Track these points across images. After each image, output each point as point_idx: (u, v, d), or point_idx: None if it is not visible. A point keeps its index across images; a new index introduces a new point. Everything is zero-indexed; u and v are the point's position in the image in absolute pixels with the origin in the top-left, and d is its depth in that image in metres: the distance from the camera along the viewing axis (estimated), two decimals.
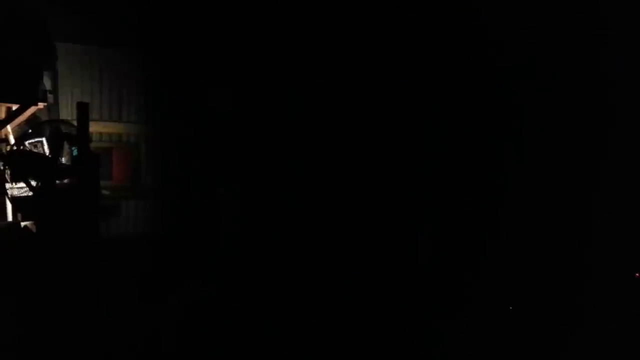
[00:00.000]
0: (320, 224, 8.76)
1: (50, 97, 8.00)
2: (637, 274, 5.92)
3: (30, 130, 7.73)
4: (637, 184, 6.40)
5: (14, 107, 7.43)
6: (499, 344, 5.77)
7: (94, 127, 8.73)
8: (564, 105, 7.06)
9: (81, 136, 6.56)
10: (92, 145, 8.27)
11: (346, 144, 8.98)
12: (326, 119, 9.10)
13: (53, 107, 8.34)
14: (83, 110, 6.56)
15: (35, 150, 7.46)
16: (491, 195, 7.66)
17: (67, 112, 8.35)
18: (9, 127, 7.67)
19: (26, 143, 7.52)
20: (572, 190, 6.99)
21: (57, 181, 6.95)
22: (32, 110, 7.58)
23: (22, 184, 7.17)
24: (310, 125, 9.21)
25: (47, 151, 7.45)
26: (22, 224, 7.61)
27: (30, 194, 7.09)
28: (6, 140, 7.71)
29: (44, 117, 8.07)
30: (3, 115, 7.64)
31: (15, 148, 7.29)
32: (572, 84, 6.96)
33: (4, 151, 7.56)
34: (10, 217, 7.97)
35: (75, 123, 6.88)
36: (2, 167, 7.09)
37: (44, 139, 7.62)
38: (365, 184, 8.71)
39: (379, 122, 8.82)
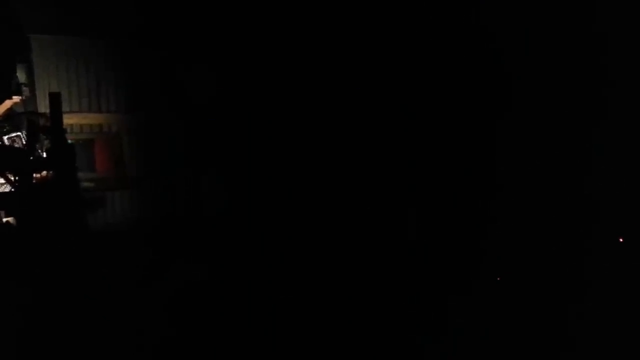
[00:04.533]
0: (311, 210, 8.70)
1: (25, 90, 7.90)
2: (620, 239, 5.87)
3: (6, 125, 7.65)
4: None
5: None
6: (488, 316, 5.75)
7: (74, 119, 8.64)
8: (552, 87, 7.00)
9: (55, 127, 6.46)
10: (73, 137, 8.23)
11: (334, 128, 8.89)
12: (313, 103, 8.99)
13: (30, 100, 8.21)
14: (55, 100, 6.46)
15: (12, 145, 7.39)
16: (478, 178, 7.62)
17: (45, 105, 8.21)
18: None
19: (4, 138, 7.46)
20: (556, 169, 6.93)
21: (35, 174, 6.88)
22: (7, 104, 7.49)
23: (1, 180, 7.11)
24: (295, 111, 9.11)
25: (24, 144, 7.38)
26: (4, 219, 7.55)
27: (10, 189, 7.03)
28: None
29: (21, 111, 7.97)
30: None
31: None
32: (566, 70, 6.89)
33: None
34: None
35: None
36: None
37: (21, 133, 7.55)
38: (352, 170, 8.62)
39: (366, 107, 8.71)
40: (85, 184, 8.21)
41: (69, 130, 7.74)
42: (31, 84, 8.29)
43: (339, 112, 8.69)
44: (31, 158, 6.94)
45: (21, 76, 7.86)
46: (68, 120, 7.68)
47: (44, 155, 7.32)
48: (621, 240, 5.95)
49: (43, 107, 8.26)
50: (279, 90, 9.16)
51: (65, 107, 7.31)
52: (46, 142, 7.44)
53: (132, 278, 6.85)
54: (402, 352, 5.24)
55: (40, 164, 6.88)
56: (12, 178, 6.83)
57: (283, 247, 7.95)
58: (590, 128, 6.68)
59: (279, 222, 8.65)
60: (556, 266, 6.44)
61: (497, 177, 7.48)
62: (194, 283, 6.84)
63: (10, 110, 7.80)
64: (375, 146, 8.51)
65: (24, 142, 7.45)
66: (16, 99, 7.52)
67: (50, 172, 6.92)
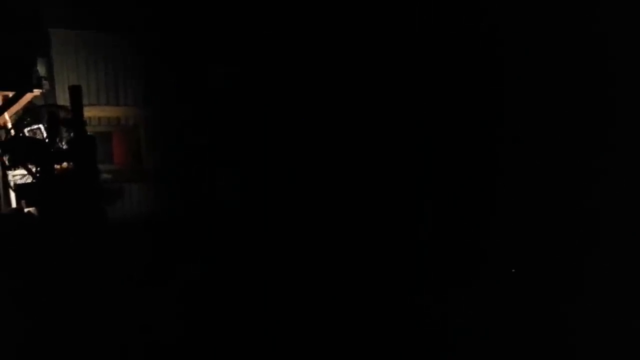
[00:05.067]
0: (324, 206, 8.72)
1: (45, 83, 8.02)
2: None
3: (27, 117, 7.79)
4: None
5: (10, 94, 7.47)
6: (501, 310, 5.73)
7: (93, 112, 8.78)
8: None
9: (76, 119, 6.58)
10: (92, 129, 8.35)
11: (350, 122, 8.89)
12: (330, 97, 9.00)
13: (49, 94, 8.36)
14: (76, 93, 6.58)
15: (33, 137, 7.53)
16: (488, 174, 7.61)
17: (64, 98, 8.35)
18: (6, 115, 7.72)
19: (24, 130, 7.60)
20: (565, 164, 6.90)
21: (56, 165, 7.01)
22: (28, 97, 7.63)
23: (23, 171, 7.26)
24: (314, 105, 9.13)
25: (44, 136, 7.52)
26: (26, 210, 7.71)
27: (32, 181, 7.18)
28: (4, 127, 7.77)
29: (41, 104, 8.11)
30: None
31: (13, 135, 7.36)
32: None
33: (2, 138, 7.64)
34: (14, 204, 8.08)
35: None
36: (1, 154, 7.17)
37: (41, 126, 7.68)
38: (366, 166, 8.63)
39: (380, 100, 8.71)
40: (104, 176, 8.34)
41: (87, 122, 7.88)
42: (50, 77, 8.44)
43: (355, 108, 8.70)
44: (52, 150, 7.08)
45: (41, 70, 7.98)
46: (87, 113, 7.79)
47: (65, 147, 7.46)
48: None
49: (62, 100, 8.41)
50: (297, 84, 9.20)
51: (84, 100, 7.42)
52: (66, 134, 7.59)
53: (145, 273, 6.91)
54: (405, 350, 5.25)
55: (61, 156, 7.01)
56: (33, 169, 6.99)
57: (297, 243, 7.99)
58: (595, 126, 6.63)
59: (294, 218, 8.69)
60: (560, 264, 6.42)
61: (501, 176, 7.45)
62: (206, 280, 6.89)
63: (30, 103, 7.93)
64: (388, 144, 8.51)
65: (44, 134, 7.59)
66: (37, 92, 7.65)
67: (71, 163, 7.07)
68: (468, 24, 7.64)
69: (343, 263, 7.31)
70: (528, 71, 7.16)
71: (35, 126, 7.64)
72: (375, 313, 5.86)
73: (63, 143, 7.51)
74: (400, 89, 8.34)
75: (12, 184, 7.66)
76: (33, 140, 7.38)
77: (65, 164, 7.12)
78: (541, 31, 7.00)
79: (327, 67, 8.86)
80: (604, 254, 6.10)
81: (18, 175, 7.54)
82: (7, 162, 7.17)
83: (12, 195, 8.00)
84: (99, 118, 9.10)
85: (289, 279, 6.87)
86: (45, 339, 5.06)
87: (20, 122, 7.64)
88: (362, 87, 8.65)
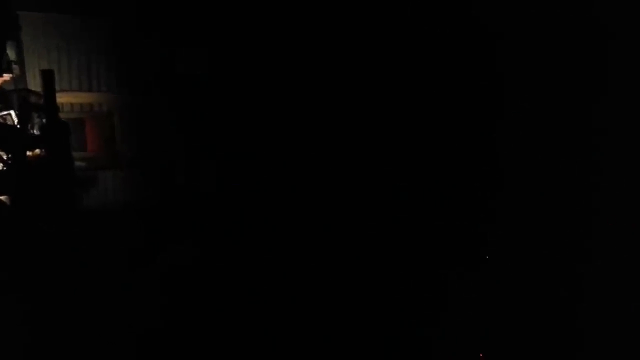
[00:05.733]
0: (303, 192, 8.72)
1: (15, 68, 7.82)
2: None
3: None
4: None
5: None
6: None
7: (64, 98, 8.57)
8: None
9: (48, 105, 6.43)
10: (64, 116, 8.16)
11: (328, 108, 8.88)
12: (316, 82, 8.93)
13: (20, 79, 8.14)
14: (48, 78, 6.42)
15: (4, 123, 7.34)
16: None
17: (35, 83, 8.15)
18: None
19: None
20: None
21: (29, 152, 6.86)
22: None
23: None
24: (291, 91, 9.08)
25: (15, 122, 7.34)
26: None
27: (2, 167, 7.01)
28: None
29: (11, 89, 7.89)
30: None
31: None
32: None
33: None
34: None
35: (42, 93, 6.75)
36: None
37: (12, 111, 7.50)
38: (355, 164, 8.62)
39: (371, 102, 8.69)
40: (77, 163, 8.18)
41: (60, 109, 7.70)
42: (21, 62, 8.21)
43: (343, 104, 8.68)
44: (24, 136, 6.92)
45: (11, 54, 7.78)
46: (59, 99, 7.57)
47: (36, 133, 7.30)
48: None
49: (33, 85, 8.20)
50: (274, 68, 9.13)
51: (55, 85, 7.26)
52: (37, 120, 7.42)
53: (121, 260, 6.84)
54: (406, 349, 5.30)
55: (34, 142, 6.86)
56: (4, 156, 6.82)
57: (278, 236, 7.98)
58: (594, 125, 6.71)
59: (272, 203, 8.68)
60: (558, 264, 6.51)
61: (498, 176, 7.53)
62: (184, 267, 6.86)
63: (0, 88, 7.72)
64: (379, 141, 8.51)
65: (15, 120, 7.41)
66: (6, 76, 7.44)
67: (43, 150, 6.92)
68: (468, 23, 7.68)
69: (325, 251, 7.36)
70: (528, 71, 7.24)
71: (6, 112, 7.46)
72: (369, 307, 5.92)
73: (35, 129, 7.35)
74: (380, 74, 8.35)
75: None
76: (3, 126, 7.20)
77: (37, 151, 6.97)
78: (541, 31, 7.06)
79: (305, 52, 8.81)
80: (604, 254, 6.20)
81: None
82: None
83: None
84: (72, 104, 8.89)
85: (270, 266, 6.90)
86: (22, 328, 5.01)
87: None
88: (341, 70, 8.63)
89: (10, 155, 6.78)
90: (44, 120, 6.98)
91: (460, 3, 7.84)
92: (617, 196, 6.37)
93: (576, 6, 6.73)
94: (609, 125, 6.55)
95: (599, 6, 6.48)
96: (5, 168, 6.92)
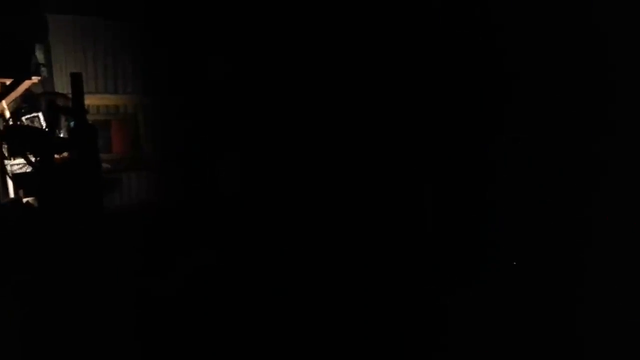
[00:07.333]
0: (323, 196, 8.68)
1: (43, 70, 7.86)
2: None
3: (25, 105, 7.64)
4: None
5: (7, 82, 7.30)
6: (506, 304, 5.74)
7: (91, 100, 8.61)
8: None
9: (77, 107, 6.43)
10: (90, 118, 8.20)
11: (348, 108, 8.82)
12: (330, 83, 8.90)
13: (47, 81, 8.19)
14: (77, 80, 6.40)
15: (32, 125, 7.39)
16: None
17: (62, 86, 8.20)
18: (4, 103, 7.56)
19: (23, 118, 7.44)
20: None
21: (56, 155, 6.88)
22: (26, 84, 7.45)
23: (21, 160, 7.13)
24: (312, 91, 9.03)
25: (43, 125, 7.37)
26: (24, 200, 7.59)
27: (30, 169, 7.05)
28: (2, 116, 7.62)
29: (39, 92, 7.94)
30: None
31: (11, 123, 7.20)
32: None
33: (0, 127, 7.49)
34: (12, 194, 7.95)
35: (70, 96, 6.76)
36: None
37: (40, 114, 7.54)
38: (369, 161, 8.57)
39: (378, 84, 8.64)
40: (103, 165, 8.22)
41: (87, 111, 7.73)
42: (48, 64, 8.26)
43: (357, 101, 8.62)
44: (52, 139, 6.94)
45: (39, 56, 7.81)
46: (85, 101, 7.64)
47: (64, 136, 7.33)
48: None
49: (60, 87, 8.26)
50: (295, 76, 9.09)
51: None
52: (65, 122, 7.45)
53: (143, 263, 6.84)
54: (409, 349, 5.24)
55: (62, 145, 6.88)
56: (32, 159, 6.85)
57: (296, 233, 7.95)
58: (595, 125, 6.61)
59: (294, 208, 8.64)
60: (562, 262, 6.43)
61: (498, 175, 7.45)
62: (206, 268, 6.83)
63: (28, 90, 7.76)
64: (390, 138, 8.45)
65: (43, 123, 7.44)
66: (35, 79, 7.47)
67: (71, 152, 6.93)
68: (468, 23, 7.58)
69: (343, 255, 7.30)
70: (528, 71, 7.13)
71: (34, 114, 7.50)
72: (374, 305, 5.85)
73: (62, 132, 7.38)
74: (400, 84, 8.28)
75: (9, 171, 7.52)
76: (32, 129, 7.23)
77: (65, 154, 6.99)
78: (541, 31, 6.95)
79: (326, 58, 8.75)
80: (604, 254, 6.11)
81: (16, 165, 7.40)
82: (5, 152, 7.03)
83: (11, 185, 7.88)
84: (97, 106, 8.94)
85: (289, 269, 6.85)
86: (45, 330, 5.01)
87: (18, 110, 7.49)
88: (359, 78, 8.57)
89: (38, 158, 6.81)
90: (71, 123, 7.00)
91: (460, 3, 7.73)
92: (617, 196, 6.28)
93: (576, 6, 6.62)
94: (609, 125, 6.45)
95: (599, 6, 6.37)
96: (32, 170, 6.97)
